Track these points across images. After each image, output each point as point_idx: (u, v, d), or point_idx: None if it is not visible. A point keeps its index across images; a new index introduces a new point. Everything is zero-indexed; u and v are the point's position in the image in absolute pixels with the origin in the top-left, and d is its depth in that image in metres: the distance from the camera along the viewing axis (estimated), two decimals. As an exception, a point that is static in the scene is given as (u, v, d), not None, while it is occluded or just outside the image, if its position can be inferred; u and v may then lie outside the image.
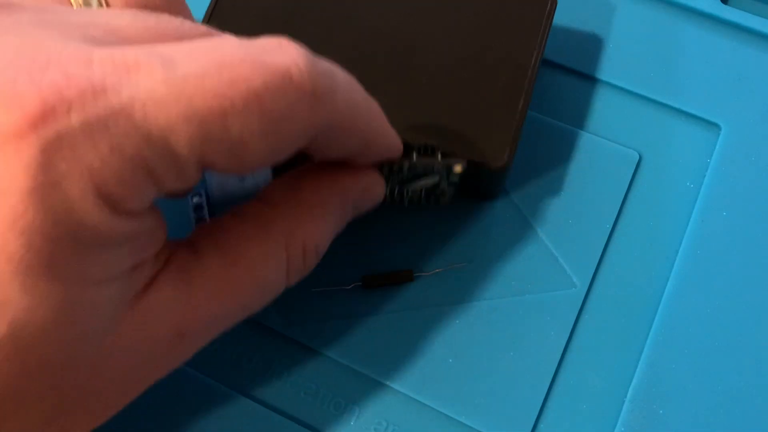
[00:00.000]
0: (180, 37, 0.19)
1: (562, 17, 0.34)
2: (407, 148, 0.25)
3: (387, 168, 0.26)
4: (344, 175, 0.24)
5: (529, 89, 0.29)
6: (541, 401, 0.28)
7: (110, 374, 0.19)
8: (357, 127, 0.21)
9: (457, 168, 0.26)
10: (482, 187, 0.30)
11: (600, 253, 0.30)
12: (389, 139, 0.24)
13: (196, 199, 0.29)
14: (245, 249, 0.22)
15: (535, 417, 0.28)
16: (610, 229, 0.30)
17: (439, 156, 0.26)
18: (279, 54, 0.18)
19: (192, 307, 0.20)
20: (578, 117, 0.33)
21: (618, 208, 0.31)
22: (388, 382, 0.28)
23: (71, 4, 0.21)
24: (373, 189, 0.25)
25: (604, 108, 0.33)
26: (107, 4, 0.21)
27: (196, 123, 0.17)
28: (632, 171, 0.31)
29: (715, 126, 0.32)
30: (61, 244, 0.16)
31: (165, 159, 0.17)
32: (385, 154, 0.24)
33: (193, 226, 0.29)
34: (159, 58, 0.17)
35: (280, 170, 0.25)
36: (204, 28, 0.20)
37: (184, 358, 0.22)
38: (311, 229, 0.23)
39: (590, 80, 0.33)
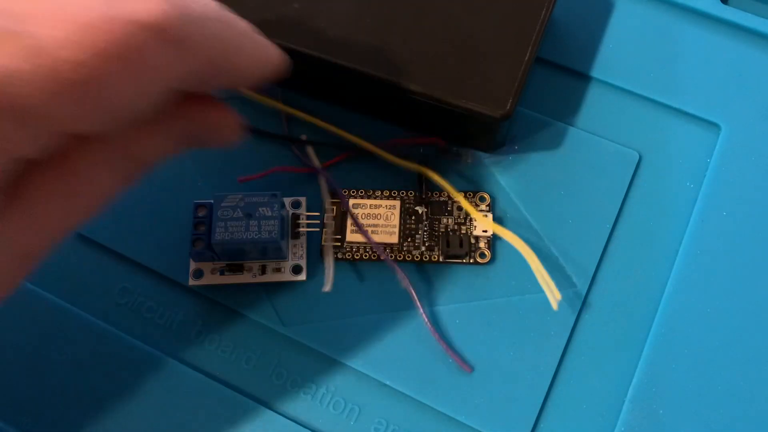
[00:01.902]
0: None
1: (562, 17, 0.34)
2: None
3: None
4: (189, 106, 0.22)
5: (536, 41, 0.29)
6: (541, 401, 0.28)
7: None
8: (229, 63, 0.21)
9: None
10: (484, 136, 0.31)
11: (600, 254, 0.30)
12: (264, 56, 0.23)
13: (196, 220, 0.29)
14: (79, 158, 0.20)
15: (535, 417, 0.28)
16: (610, 229, 0.30)
17: None
18: (142, 3, 0.18)
19: (36, 232, 0.20)
20: (578, 117, 0.33)
21: (618, 208, 0.31)
22: (388, 382, 0.28)
23: None
24: (221, 128, 0.24)
25: (604, 108, 0.33)
26: None
27: (62, 94, 0.17)
28: (632, 171, 0.31)
29: (715, 126, 0.32)
30: None
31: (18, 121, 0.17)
32: (263, 72, 0.23)
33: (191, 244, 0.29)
34: (12, 22, 0.16)
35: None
36: None
37: (28, 273, 0.21)
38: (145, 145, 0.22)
39: (590, 80, 0.33)
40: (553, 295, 0.28)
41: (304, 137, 0.32)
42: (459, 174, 0.32)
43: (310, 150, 0.32)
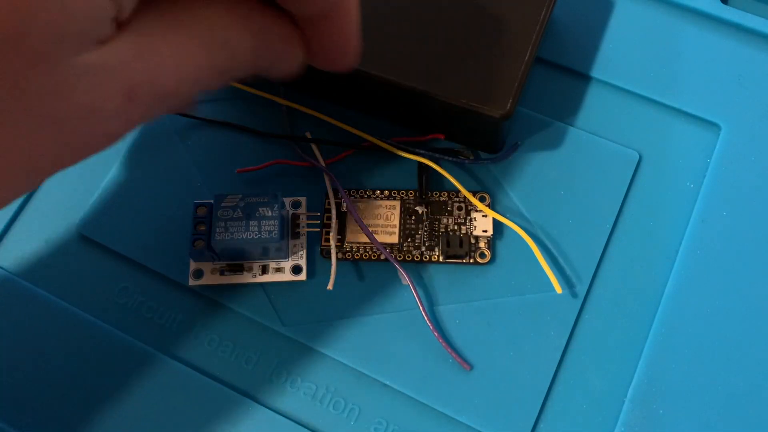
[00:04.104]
0: None
1: (562, 17, 0.34)
2: None
3: None
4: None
5: (536, 41, 0.29)
6: (541, 401, 0.28)
7: (65, 107, 0.18)
8: None
9: None
10: (485, 136, 0.31)
11: (600, 254, 0.30)
12: None
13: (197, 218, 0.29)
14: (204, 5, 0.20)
15: (535, 417, 0.28)
16: (610, 229, 0.30)
17: None
18: None
19: (143, 66, 0.18)
20: (578, 117, 0.33)
21: (618, 208, 0.31)
22: (388, 382, 0.28)
23: None
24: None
25: (604, 108, 0.33)
26: None
27: None
28: (632, 171, 0.31)
29: (715, 126, 0.32)
30: None
31: None
32: None
33: (191, 245, 0.29)
34: None
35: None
36: None
37: (132, 121, 0.19)
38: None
39: (590, 80, 0.33)
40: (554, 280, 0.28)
41: (308, 134, 0.32)
42: (459, 174, 0.32)
43: (313, 148, 0.32)
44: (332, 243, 0.30)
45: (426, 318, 0.29)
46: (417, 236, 0.30)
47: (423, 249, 0.30)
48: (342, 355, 0.29)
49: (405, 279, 0.29)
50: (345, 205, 0.31)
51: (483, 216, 0.30)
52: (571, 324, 0.29)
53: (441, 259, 0.30)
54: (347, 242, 0.30)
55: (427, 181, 0.31)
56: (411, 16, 0.30)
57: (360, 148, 0.32)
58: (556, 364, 0.28)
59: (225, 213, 0.28)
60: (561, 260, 0.30)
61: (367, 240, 0.30)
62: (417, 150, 0.31)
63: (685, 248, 0.30)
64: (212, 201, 0.29)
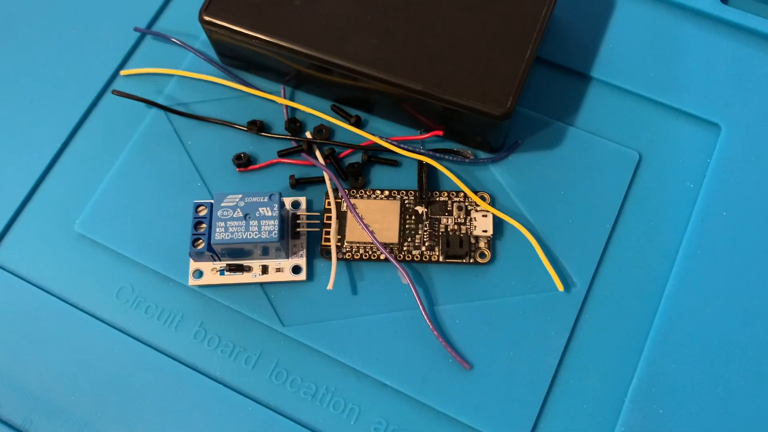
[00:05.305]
0: None
1: (562, 17, 0.34)
2: None
3: None
4: None
5: (537, 40, 0.29)
6: (541, 401, 0.28)
7: None
8: None
9: None
10: (485, 136, 0.31)
11: (600, 253, 0.30)
12: None
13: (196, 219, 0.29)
14: None
15: (535, 417, 0.28)
16: (610, 229, 0.30)
17: None
18: None
19: None
20: (579, 117, 0.33)
21: (618, 208, 0.31)
22: (388, 382, 0.28)
23: None
24: None
25: (604, 108, 0.33)
26: None
27: None
28: (632, 171, 0.31)
29: (715, 126, 0.32)
30: None
31: None
32: None
33: (191, 244, 0.29)
34: None
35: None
36: None
37: None
38: None
39: (590, 80, 0.33)
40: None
41: (308, 134, 0.32)
42: (459, 174, 0.32)
43: (313, 147, 0.32)
44: (332, 243, 0.30)
45: (426, 318, 0.29)
46: (417, 236, 0.30)
47: (423, 249, 0.30)
48: (342, 355, 0.29)
49: (405, 279, 0.29)
50: (345, 204, 0.31)
51: (483, 216, 0.30)
52: (571, 324, 0.29)
53: (441, 259, 0.30)
54: (347, 242, 0.30)
55: (427, 180, 0.31)
56: (411, 15, 0.30)
57: (360, 148, 0.32)
58: (556, 364, 0.28)
59: (225, 213, 0.28)
60: (561, 260, 0.30)
61: (367, 240, 0.30)
62: (417, 149, 0.31)
63: (685, 248, 0.30)
64: (212, 201, 0.29)
